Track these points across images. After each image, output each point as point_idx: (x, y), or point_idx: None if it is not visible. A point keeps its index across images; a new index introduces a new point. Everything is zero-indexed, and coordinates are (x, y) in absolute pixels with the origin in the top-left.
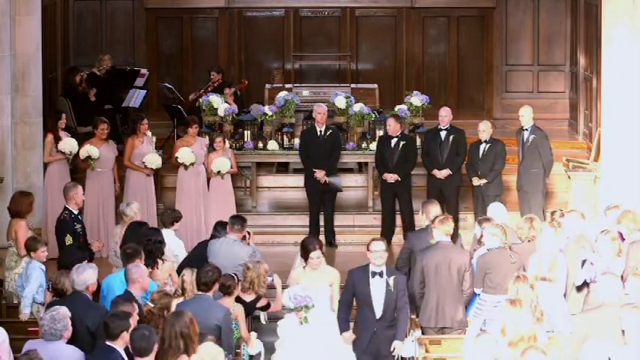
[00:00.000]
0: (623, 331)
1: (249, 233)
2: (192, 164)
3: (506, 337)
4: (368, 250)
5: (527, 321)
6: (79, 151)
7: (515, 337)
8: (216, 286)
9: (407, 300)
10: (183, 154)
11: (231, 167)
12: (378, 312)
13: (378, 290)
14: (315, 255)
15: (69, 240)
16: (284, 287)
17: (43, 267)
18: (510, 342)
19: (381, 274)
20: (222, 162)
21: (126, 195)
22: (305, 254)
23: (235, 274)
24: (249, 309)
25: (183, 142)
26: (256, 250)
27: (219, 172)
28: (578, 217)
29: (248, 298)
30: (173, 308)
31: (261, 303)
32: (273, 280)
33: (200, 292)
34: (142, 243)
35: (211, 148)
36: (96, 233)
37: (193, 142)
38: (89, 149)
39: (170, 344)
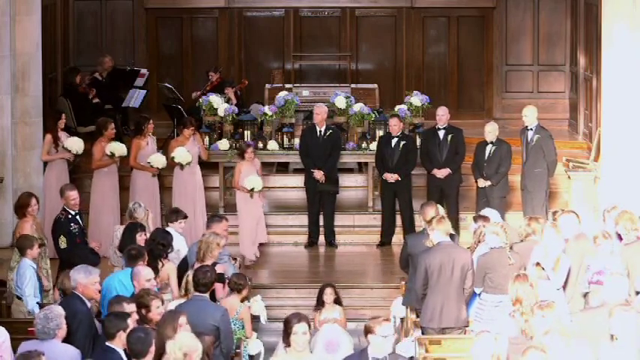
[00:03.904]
0: (612, 336)
1: None
2: (188, 164)
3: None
4: (370, 334)
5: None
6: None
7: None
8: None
9: None
10: (180, 154)
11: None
12: None
13: None
14: (301, 329)
15: (62, 241)
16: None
17: (34, 265)
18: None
19: None
20: (256, 180)
21: (132, 195)
22: (287, 330)
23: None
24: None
25: (178, 142)
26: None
27: (252, 189)
28: (573, 219)
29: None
30: (154, 308)
31: (218, 269)
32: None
33: (197, 293)
34: (147, 243)
35: (237, 154)
36: (98, 233)
37: (187, 142)
38: (121, 147)
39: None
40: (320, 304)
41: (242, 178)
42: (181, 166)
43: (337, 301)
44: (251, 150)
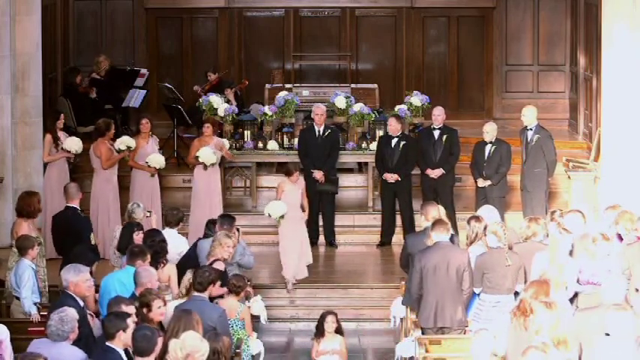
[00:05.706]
0: (607, 335)
1: (238, 230)
2: (212, 164)
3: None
4: None
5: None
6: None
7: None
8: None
9: None
10: (205, 154)
11: (302, 208)
12: None
13: None
14: None
15: (93, 238)
16: None
17: (34, 266)
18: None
19: None
20: (274, 207)
21: (132, 195)
22: None
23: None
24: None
25: (202, 142)
26: (246, 247)
27: (269, 215)
28: (578, 218)
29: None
30: (155, 308)
31: (217, 265)
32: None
33: (196, 293)
34: (147, 244)
35: (283, 172)
36: (102, 233)
37: (210, 142)
38: (131, 139)
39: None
40: (320, 332)
41: (285, 196)
42: (205, 166)
43: (338, 330)
44: (297, 174)
